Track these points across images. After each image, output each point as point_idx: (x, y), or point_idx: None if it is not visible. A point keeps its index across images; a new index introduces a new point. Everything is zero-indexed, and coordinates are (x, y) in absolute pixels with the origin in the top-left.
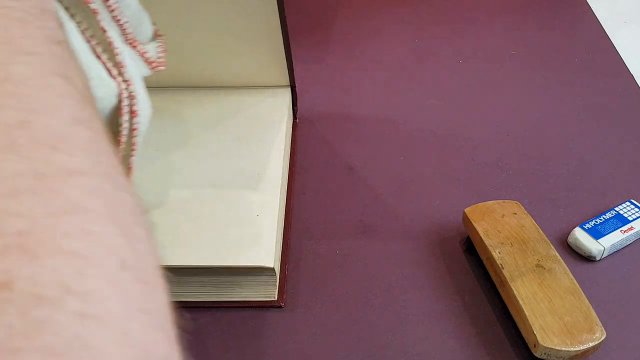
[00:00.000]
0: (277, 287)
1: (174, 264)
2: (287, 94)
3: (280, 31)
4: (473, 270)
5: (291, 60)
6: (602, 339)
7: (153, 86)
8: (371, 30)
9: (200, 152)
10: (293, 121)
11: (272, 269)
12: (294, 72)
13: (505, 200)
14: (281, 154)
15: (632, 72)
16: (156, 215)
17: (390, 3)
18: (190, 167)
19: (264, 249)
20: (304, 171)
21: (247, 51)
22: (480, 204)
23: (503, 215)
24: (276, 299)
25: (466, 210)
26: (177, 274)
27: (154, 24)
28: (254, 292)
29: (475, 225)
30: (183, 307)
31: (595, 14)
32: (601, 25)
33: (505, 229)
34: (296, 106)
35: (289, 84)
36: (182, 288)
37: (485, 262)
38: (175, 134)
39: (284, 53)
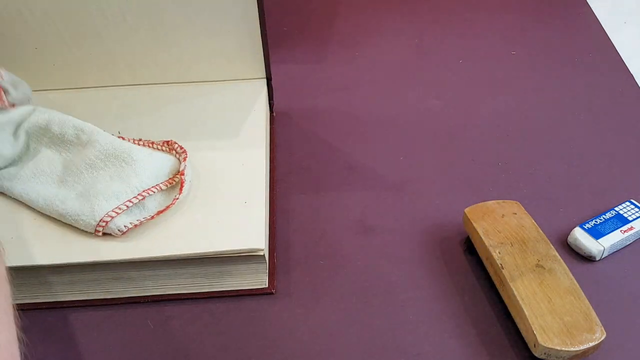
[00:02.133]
0: (267, 273)
1: (164, 254)
2: (263, 86)
3: (258, 21)
4: (473, 270)
5: (267, 51)
6: (602, 339)
7: (129, 84)
8: (371, 30)
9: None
10: (270, 114)
11: (263, 253)
12: (293, 72)
13: (505, 200)
14: (263, 144)
15: (632, 72)
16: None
17: (391, 3)
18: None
19: (254, 232)
20: (303, 171)
21: (222, 43)
22: (480, 203)
23: (503, 215)
24: (267, 285)
25: (466, 210)
26: (168, 266)
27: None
28: (245, 280)
29: (475, 225)
30: (174, 300)
31: (595, 14)
32: (601, 25)
33: (505, 229)
34: (272, 99)
35: (264, 76)
36: (173, 280)
37: (485, 262)
38: (156, 129)
39: (261, 44)
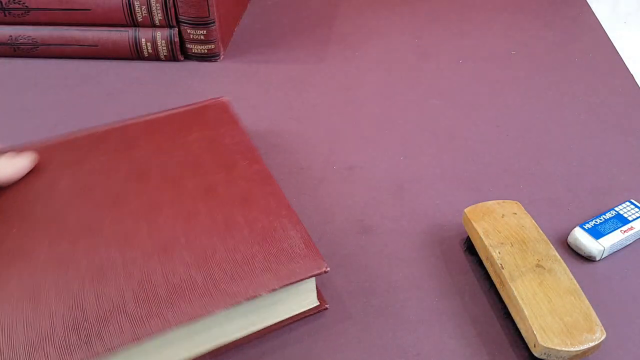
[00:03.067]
0: (316, 290)
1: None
2: None
3: None
4: (473, 270)
5: None
6: (602, 339)
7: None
8: (371, 30)
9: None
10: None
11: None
12: (293, 72)
13: (505, 200)
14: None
15: (632, 72)
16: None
17: (391, 3)
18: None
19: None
20: (303, 171)
21: None
22: (480, 203)
23: (503, 215)
24: (318, 302)
25: (466, 210)
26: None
27: None
28: (296, 305)
29: (475, 225)
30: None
31: (595, 14)
32: (601, 25)
33: (505, 229)
34: None
35: None
36: (224, 328)
37: (485, 262)
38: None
39: None
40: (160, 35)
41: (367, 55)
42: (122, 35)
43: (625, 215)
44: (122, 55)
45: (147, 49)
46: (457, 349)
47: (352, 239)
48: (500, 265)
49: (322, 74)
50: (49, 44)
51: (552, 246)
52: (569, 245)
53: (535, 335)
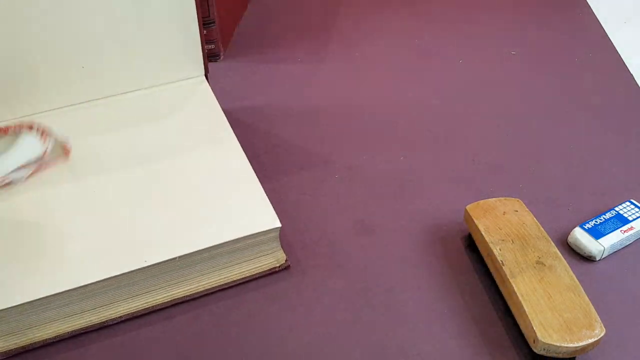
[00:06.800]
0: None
1: (184, 252)
2: (204, 82)
3: (195, 13)
4: (474, 268)
5: (204, 45)
6: (601, 336)
7: (59, 107)
8: (371, 30)
9: (154, 155)
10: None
11: (278, 229)
12: (293, 72)
13: (507, 198)
14: (231, 132)
15: (632, 72)
16: (147, 213)
17: (391, 3)
18: (155, 167)
19: (263, 212)
20: (304, 171)
21: (155, 44)
22: (482, 201)
23: (504, 212)
24: (285, 261)
25: (468, 207)
26: (181, 265)
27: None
28: (261, 263)
29: (477, 222)
30: (194, 299)
31: (595, 14)
32: (601, 25)
33: (506, 226)
34: None
35: (202, 73)
36: (182, 283)
37: (486, 258)
38: (118, 151)
39: (198, 38)
40: None
41: (367, 55)
42: None
43: (625, 215)
44: None
45: None
46: (457, 348)
47: (352, 239)
48: (500, 262)
49: (322, 74)
50: None
51: (552, 243)
52: (569, 245)
53: (535, 331)
